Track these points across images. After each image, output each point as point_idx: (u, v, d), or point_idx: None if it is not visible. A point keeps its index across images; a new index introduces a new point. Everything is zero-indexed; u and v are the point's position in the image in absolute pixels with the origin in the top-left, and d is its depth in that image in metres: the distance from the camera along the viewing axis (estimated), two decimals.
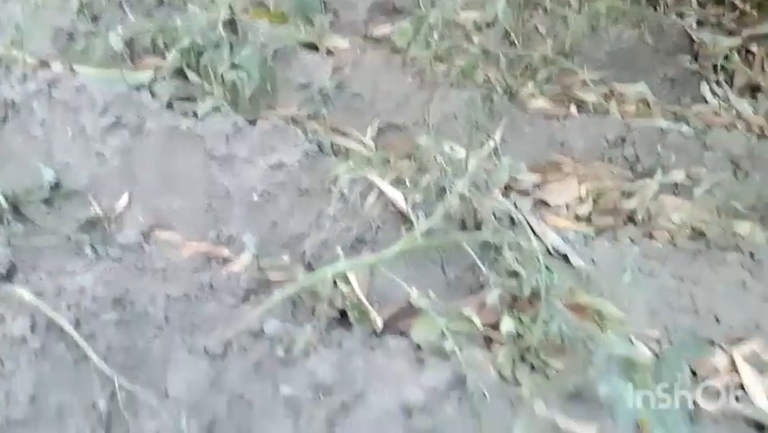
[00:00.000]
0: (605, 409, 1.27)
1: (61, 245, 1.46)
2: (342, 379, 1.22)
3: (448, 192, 1.51)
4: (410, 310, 1.53)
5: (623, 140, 1.89)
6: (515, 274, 1.44)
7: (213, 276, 1.42)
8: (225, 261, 1.54)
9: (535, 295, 1.41)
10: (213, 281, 1.41)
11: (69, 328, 1.18)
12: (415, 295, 1.28)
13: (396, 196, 1.59)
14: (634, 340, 1.14)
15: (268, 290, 1.42)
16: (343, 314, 1.48)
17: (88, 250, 1.46)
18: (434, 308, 1.29)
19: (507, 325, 1.34)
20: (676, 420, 1.03)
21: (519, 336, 1.35)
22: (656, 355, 1.24)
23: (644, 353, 1.26)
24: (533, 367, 1.36)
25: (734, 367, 1.44)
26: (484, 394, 1.21)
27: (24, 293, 1.21)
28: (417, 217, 1.48)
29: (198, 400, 1.17)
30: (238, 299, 1.38)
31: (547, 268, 1.36)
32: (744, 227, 1.69)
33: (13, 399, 1.14)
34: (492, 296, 1.40)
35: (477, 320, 1.33)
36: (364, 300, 1.47)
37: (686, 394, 1.12)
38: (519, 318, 1.36)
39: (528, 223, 1.55)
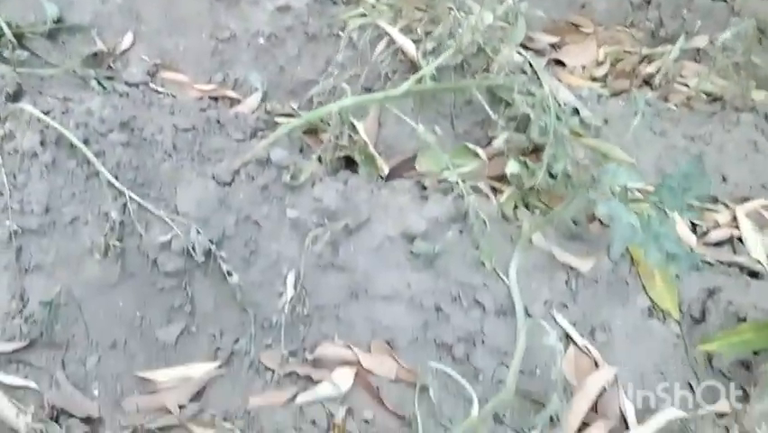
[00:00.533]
0: (602, 247, 1.31)
1: (67, 78, 1.45)
2: (346, 207, 1.24)
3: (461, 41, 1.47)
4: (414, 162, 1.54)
5: (648, 2, 1.80)
6: (524, 121, 1.43)
7: (220, 113, 1.41)
8: (233, 102, 1.53)
9: (542, 148, 1.41)
10: (220, 118, 1.40)
11: (79, 144, 1.19)
12: (421, 130, 1.27)
13: (406, 44, 1.54)
14: (636, 173, 1.13)
15: (274, 129, 1.42)
16: (350, 161, 1.49)
17: (94, 83, 1.45)
18: (440, 143, 1.28)
19: (513, 167, 1.34)
20: (671, 241, 1.04)
21: (523, 181, 1.36)
22: None
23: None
24: (535, 211, 1.38)
25: (735, 223, 1.45)
26: (485, 223, 1.23)
27: (33, 110, 1.20)
28: (428, 63, 1.44)
29: (208, 218, 1.19)
30: (245, 135, 1.38)
31: (557, 115, 1.35)
32: (760, 95, 1.65)
33: (27, 209, 1.17)
34: (499, 140, 1.39)
35: (482, 153, 1.33)
36: (371, 146, 1.47)
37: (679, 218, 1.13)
38: (525, 162, 1.36)
39: (540, 77, 1.52)
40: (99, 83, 1.46)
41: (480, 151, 1.34)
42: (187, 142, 1.31)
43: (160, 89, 1.49)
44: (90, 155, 1.19)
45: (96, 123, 1.24)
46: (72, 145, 1.20)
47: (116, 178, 1.20)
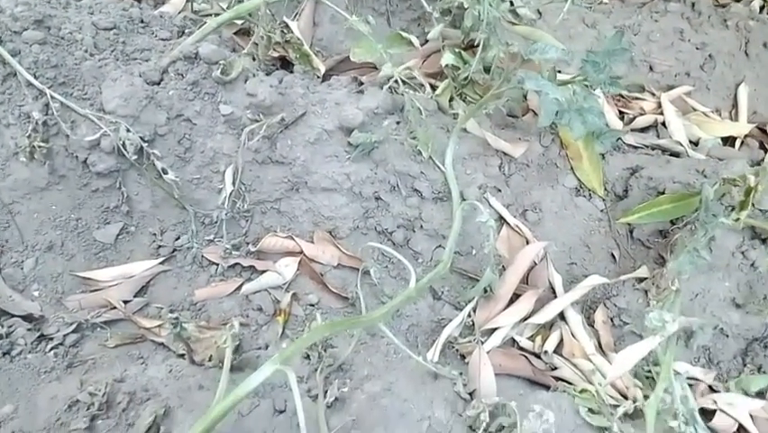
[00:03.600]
0: (533, 134, 1.36)
1: None
2: (282, 102, 1.23)
3: None
4: (351, 62, 1.52)
5: None
6: (459, 17, 1.43)
7: (143, 13, 1.35)
8: (157, 2, 1.47)
9: (476, 43, 1.42)
10: (144, 17, 1.34)
11: None
12: (354, 19, 1.25)
13: None
14: (564, 52, 1.15)
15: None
16: (285, 63, 1.47)
17: None
18: (374, 34, 1.27)
19: (448, 59, 1.34)
20: (595, 114, 1.09)
21: (458, 72, 1.37)
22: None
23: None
24: (469, 103, 1.40)
25: (660, 109, 1.52)
26: (420, 113, 1.25)
27: None
28: None
29: (137, 116, 1.16)
30: (172, 34, 1.33)
31: (489, 3, 1.35)
32: None
33: None
34: (434, 32, 1.39)
35: (415, 41, 1.33)
36: (306, 45, 1.44)
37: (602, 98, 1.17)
38: (460, 54, 1.37)
39: None
40: None
41: (413, 38, 1.34)
42: (109, 41, 1.26)
43: None
44: (5, 53, 1.13)
45: (8, 20, 1.17)
46: None
47: (35, 77, 1.15)
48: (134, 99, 1.16)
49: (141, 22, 1.33)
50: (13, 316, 1.09)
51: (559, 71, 1.21)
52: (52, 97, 1.14)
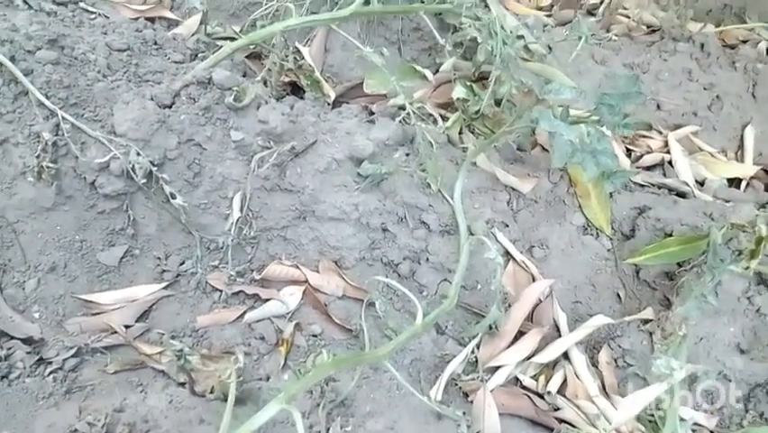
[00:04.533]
0: (542, 169, 1.36)
1: None
2: (293, 130, 1.23)
3: None
4: (361, 89, 1.53)
5: None
6: (471, 49, 1.44)
7: (157, 34, 1.35)
8: (171, 23, 1.47)
9: (487, 76, 1.43)
10: (157, 39, 1.34)
11: (6, 61, 1.12)
12: (368, 51, 1.25)
13: None
14: (577, 93, 1.16)
15: (216, 51, 1.37)
16: (296, 88, 1.47)
17: (19, 1, 1.35)
18: (387, 65, 1.27)
19: (459, 92, 1.35)
20: (608, 156, 1.09)
21: (469, 105, 1.37)
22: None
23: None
24: (479, 136, 1.41)
25: (667, 148, 1.53)
26: (431, 146, 1.25)
27: None
28: None
29: (147, 139, 1.16)
30: (185, 57, 1.33)
31: (503, 40, 1.36)
32: (697, 26, 1.70)
33: None
34: (447, 64, 1.40)
35: (429, 74, 1.34)
36: (317, 71, 1.45)
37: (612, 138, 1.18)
38: (471, 87, 1.37)
39: (488, 3, 1.52)
40: (25, 1, 1.36)
41: (426, 72, 1.35)
42: (122, 63, 1.26)
43: (91, 9, 1.41)
44: (18, 73, 1.12)
45: (22, 39, 1.17)
46: None
47: (47, 97, 1.14)
48: (146, 123, 1.16)
49: (155, 43, 1.33)
50: (12, 338, 1.08)
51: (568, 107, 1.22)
52: (63, 118, 1.13)
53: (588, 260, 1.30)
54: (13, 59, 1.15)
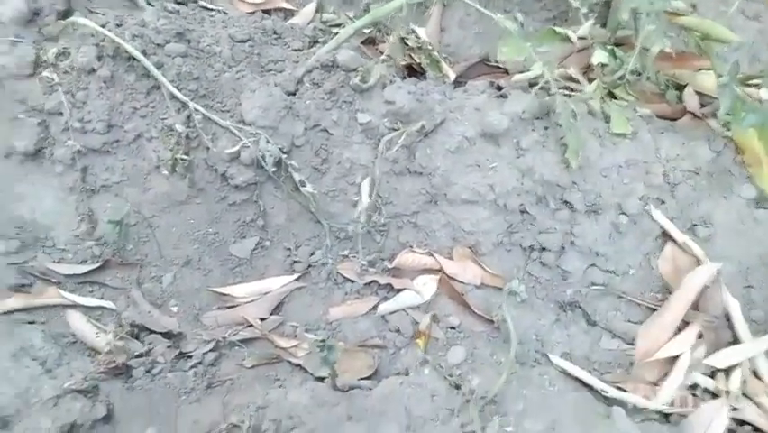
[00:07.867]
0: (699, 138, 1.20)
1: None
2: (420, 109, 1.15)
3: None
4: (482, 67, 1.44)
5: None
6: (604, 12, 1.31)
7: (275, 24, 1.33)
8: (287, 13, 1.45)
9: (624, 41, 1.29)
10: (276, 29, 1.32)
11: (139, 55, 1.12)
12: (500, 17, 1.15)
13: None
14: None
15: (333, 37, 1.33)
16: (412, 71, 1.40)
17: (142, 2, 1.38)
18: (521, 32, 1.17)
19: (599, 57, 1.22)
20: None
21: (612, 70, 1.23)
22: None
23: None
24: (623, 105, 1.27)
25: None
26: (573, 117, 1.13)
27: (88, 22, 1.14)
28: None
29: (275, 127, 1.13)
30: (304, 44, 1.30)
31: None
32: None
33: (88, 127, 1.13)
34: (584, 27, 1.27)
35: (572, 35, 1.22)
36: (435, 51, 1.37)
37: None
38: (612, 51, 1.24)
39: None
40: (149, 2, 1.39)
41: (570, 33, 1.22)
42: (245, 53, 1.24)
43: (210, 6, 1.41)
44: (151, 66, 1.13)
45: (151, 33, 1.18)
46: (130, 58, 1.14)
47: (178, 89, 1.14)
48: (273, 110, 1.13)
49: (274, 33, 1.31)
50: (152, 332, 1.08)
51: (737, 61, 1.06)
52: (195, 110, 1.12)
53: (761, 237, 1.12)
54: (144, 53, 1.16)
